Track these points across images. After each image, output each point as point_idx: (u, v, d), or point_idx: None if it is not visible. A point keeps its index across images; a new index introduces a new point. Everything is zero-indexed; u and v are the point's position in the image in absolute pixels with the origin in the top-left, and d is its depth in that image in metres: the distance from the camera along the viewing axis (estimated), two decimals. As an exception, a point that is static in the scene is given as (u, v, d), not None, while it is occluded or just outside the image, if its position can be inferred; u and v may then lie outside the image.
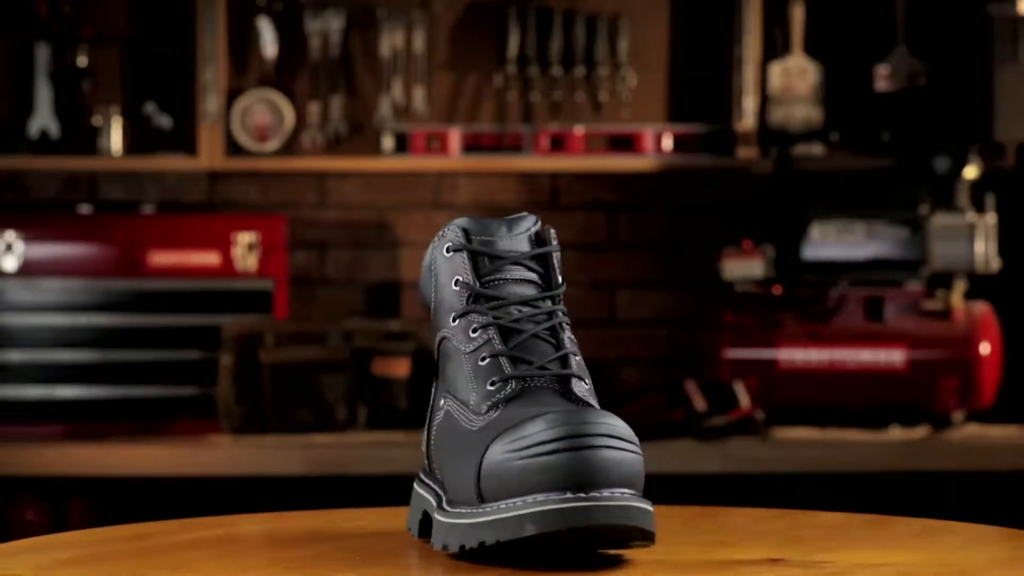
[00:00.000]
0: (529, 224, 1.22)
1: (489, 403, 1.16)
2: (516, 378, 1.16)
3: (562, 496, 1.06)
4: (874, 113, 3.94)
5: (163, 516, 1.61)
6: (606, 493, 1.06)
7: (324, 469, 3.31)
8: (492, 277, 1.20)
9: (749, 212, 3.91)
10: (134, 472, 3.33)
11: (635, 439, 1.10)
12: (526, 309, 1.20)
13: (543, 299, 1.20)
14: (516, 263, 1.21)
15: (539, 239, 1.22)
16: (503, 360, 1.17)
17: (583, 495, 1.06)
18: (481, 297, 1.20)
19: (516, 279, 1.21)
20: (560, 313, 1.20)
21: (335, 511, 1.38)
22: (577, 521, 1.05)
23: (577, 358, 1.18)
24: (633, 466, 1.08)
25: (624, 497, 1.07)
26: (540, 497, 1.06)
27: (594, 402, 1.17)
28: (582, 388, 1.16)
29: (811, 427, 3.56)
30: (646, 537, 1.09)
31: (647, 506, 1.09)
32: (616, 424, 1.09)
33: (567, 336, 1.19)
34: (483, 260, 1.21)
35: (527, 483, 1.07)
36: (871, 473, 3.38)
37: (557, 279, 1.21)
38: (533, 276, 1.21)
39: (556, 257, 1.22)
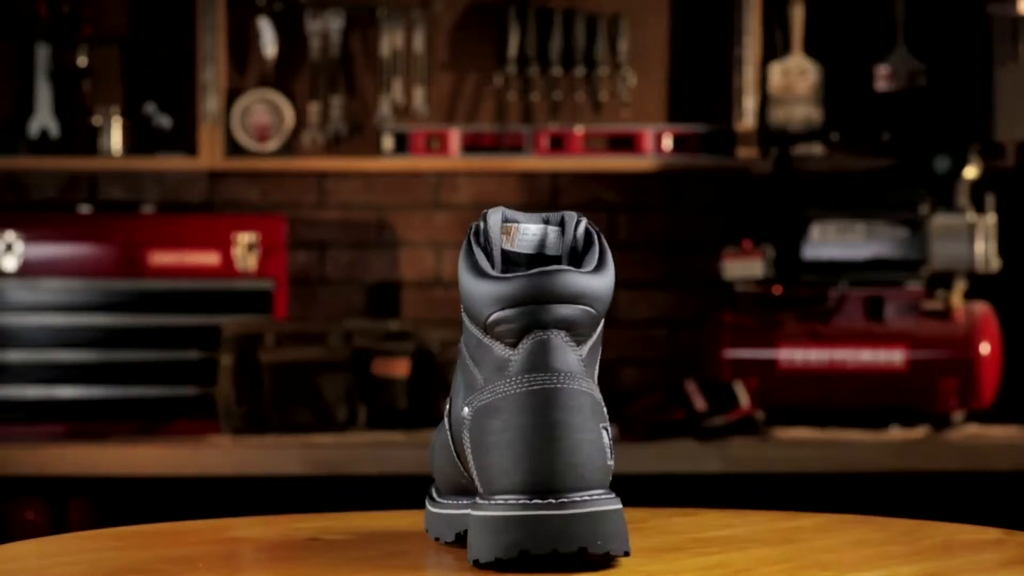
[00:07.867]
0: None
1: None
2: None
3: None
4: (874, 113, 3.94)
5: (163, 516, 1.61)
6: None
7: (324, 469, 3.30)
8: None
9: (749, 212, 3.91)
10: (134, 472, 3.33)
11: None
12: None
13: None
14: None
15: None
16: None
17: None
18: None
19: None
20: None
21: (335, 514, 1.38)
22: None
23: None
24: None
25: None
26: None
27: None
28: None
29: (811, 427, 3.55)
30: None
31: None
32: None
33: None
34: None
35: None
36: (871, 473, 3.38)
37: None
38: None
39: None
